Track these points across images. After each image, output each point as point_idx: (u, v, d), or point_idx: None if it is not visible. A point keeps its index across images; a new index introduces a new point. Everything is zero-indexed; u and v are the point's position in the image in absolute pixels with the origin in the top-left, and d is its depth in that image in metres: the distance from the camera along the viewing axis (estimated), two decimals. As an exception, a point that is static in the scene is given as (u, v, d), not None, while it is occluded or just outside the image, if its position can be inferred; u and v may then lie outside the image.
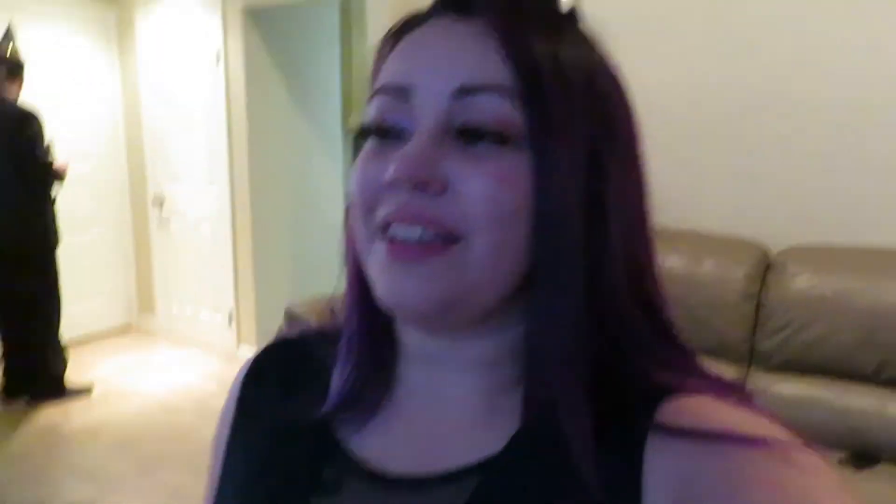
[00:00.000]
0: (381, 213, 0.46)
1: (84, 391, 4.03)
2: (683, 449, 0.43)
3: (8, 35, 3.71)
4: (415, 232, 0.44)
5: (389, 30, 0.51)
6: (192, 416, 3.80)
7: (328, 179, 4.81)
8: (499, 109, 0.44)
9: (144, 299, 5.30)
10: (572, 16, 0.50)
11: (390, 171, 0.44)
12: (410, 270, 0.44)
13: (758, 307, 2.42)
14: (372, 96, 0.48)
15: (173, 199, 4.91)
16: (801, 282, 2.33)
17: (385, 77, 0.48)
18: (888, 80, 2.43)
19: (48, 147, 3.68)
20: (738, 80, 2.70)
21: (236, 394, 0.62)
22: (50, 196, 3.80)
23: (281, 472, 0.54)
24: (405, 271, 0.45)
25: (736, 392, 0.48)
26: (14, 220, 3.65)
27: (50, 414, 3.81)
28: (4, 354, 3.87)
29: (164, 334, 5.14)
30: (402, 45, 0.49)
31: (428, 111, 0.45)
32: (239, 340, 4.67)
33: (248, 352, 4.39)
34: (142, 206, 5.13)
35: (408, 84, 0.46)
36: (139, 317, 5.32)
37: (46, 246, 3.81)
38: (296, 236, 4.60)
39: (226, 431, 0.61)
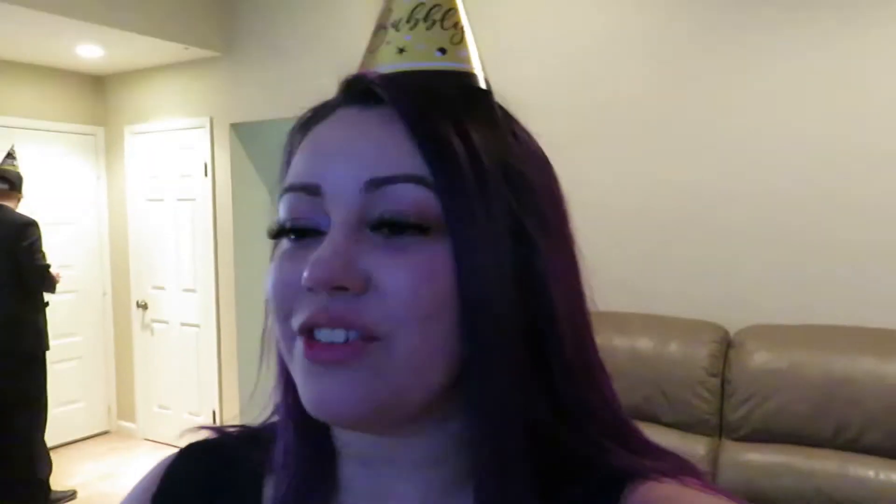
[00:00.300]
0: (300, 318, 0.41)
1: (68, 496, 3.96)
2: None
3: (10, 154, 3.90)
4: (339, 336, 0.40)
5: (297, 122, 0.48)
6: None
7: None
8: (415, 198, 0.41)
9: (124, 406, 5.25)
10: (485, 92, 0.49)
11: (305, 276, 0.40)
12: (334, 375, 0.40)
13: (723, 382, 2.59)
14: (282, 194, 0.45)
15: (157, 304, 4.97)
16: (760, 358, 2.53)
17: (293, 175, 0.44)
18: (828, 173, 2.72)
19: (45, 254, 3.78)
20: (693, 180, 2.97)
21: None
22: (43, 301, 3.86)
23: None
24: (329, 376, 0.41)
25: (687, 469, 0.46)
26: (8, 323, 3.69)
27: (35, 520, 3.72)
28: (-10, 459, 3.80)
29: (146, 438, 5.07)
30: (308, 139, 0.46)
31: (340, 208, 0.42)
32: (222, 440, 4.64)
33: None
34: (125, 312, 5.16)
35: (316, 181, 0.43)
36: (118, 423, 5.25)
37: (37, 350, 3.83)
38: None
39: None
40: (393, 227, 0.41)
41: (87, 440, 5.06)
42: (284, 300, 0.43)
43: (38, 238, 3.75)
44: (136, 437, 5.11)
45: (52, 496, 3.89)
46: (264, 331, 0.49)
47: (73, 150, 5.01)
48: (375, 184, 0.41)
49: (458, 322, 0.41)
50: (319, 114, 0.47)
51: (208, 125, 4.51)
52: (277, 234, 0.45)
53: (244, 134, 4.47)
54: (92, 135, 5.11)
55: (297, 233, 0.44)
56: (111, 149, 5.14)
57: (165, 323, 4.94)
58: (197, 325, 4.75)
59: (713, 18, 2.92)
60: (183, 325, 4.84)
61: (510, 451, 0.42)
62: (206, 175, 4.56)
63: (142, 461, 4.67)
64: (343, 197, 0.42)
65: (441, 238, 0.41)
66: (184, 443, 0.57)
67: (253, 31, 4.26)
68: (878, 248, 2.64)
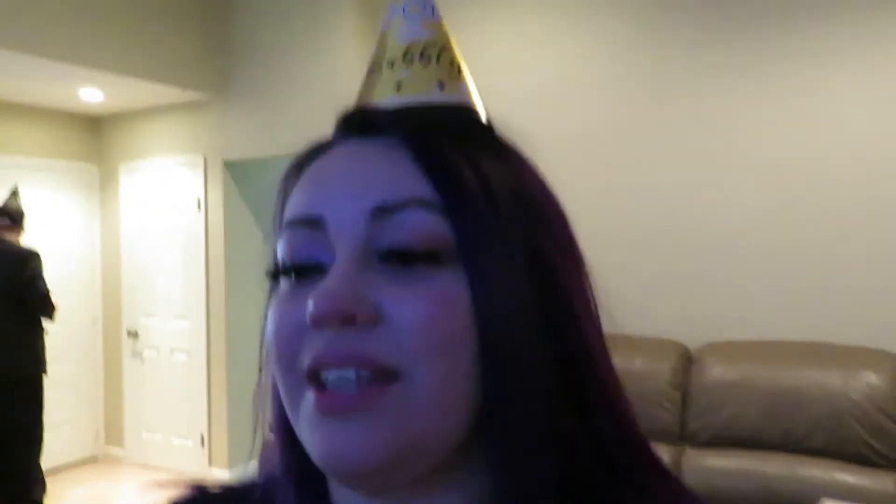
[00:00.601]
0: (307, 359, 0.38)
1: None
2: None
3: (14, 193, 4.03)
4: (349, 374, 0.36)
5: (291, 162, 0.45)
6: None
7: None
8: (424, 225, 0.38)
9: (112, 431, 5.28)
10: (487, 126, 0.46)
11: (310, 308, 0.36)
12: (347, 424, 0.36)
13: (684, 395, 2.79)
14: (280, 232, 0.42)
15: (148, 332, 5.05)
16: (716, 371, 2.74)
17: (292, 211, 0.41)
18: (779, 201, 2.97)
19: (46, 282, 3.89)
20: (655, 208, 3.21)
21: None
22: (42, 328, 3.95)
23: None
24: (341, 426, 0.36)
25: None
26: (10, 348, 3.78)
27: (32, 541, 3.75)
28: (-14, 483, 3.84)
29: (133, 462, 5.10)
30: (306, 175, 0.42)
31: (345, 238, 0.38)
32: (211, 463, 4.71)
33: (221, 475, 4.46)
34: (115, 340, 5.23)
35: (318, 213, 0.40)
36: (105, 448, 5.28)
37: (36, 374, 3.91)
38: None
39: None
40: (403, 258, 0.38)
41: (75, 466, 5.07)
42: (288, 343, 0.39)
43: (40, 267, 3.86)
44: (123, 463, 5.14)
45: (48, 518, 3.93)
46: (258, 389, 0.45)
47: (69, 187, 5.11)
48: (383, 211, 0.38)
49: (476, 357, 0.37)
50: (315, 153, 0.44)
51: (202, 163, 4.67)
52: (275, 275, 0.42)
53: (236, 171, 4.63)
54: (87, 172, 5.23)
55: (297, 272, 0.40)
56: (106, 185, 5.25)
57: (156, 350, 5.02)
58: (187, 352, 4.85)
59: (669, 51, 3.19)
60: (173, 351, 4.93)
61: None
62: (199, 209, 4.71)
63: (130, 486, 4.72)
64: (348, 227, 0.38)
65: (454, 267, 0.38)
66: (150, 492, 0.50)
67: (244, 74, 4.44)
68: (822, 269, 2.89)
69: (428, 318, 0.36)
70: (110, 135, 5.20)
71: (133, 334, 5.10)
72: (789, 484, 2.50)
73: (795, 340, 2.79)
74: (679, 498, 0.43)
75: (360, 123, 0.43)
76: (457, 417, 0.38)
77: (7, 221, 3.91)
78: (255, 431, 0.48)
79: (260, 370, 0.43)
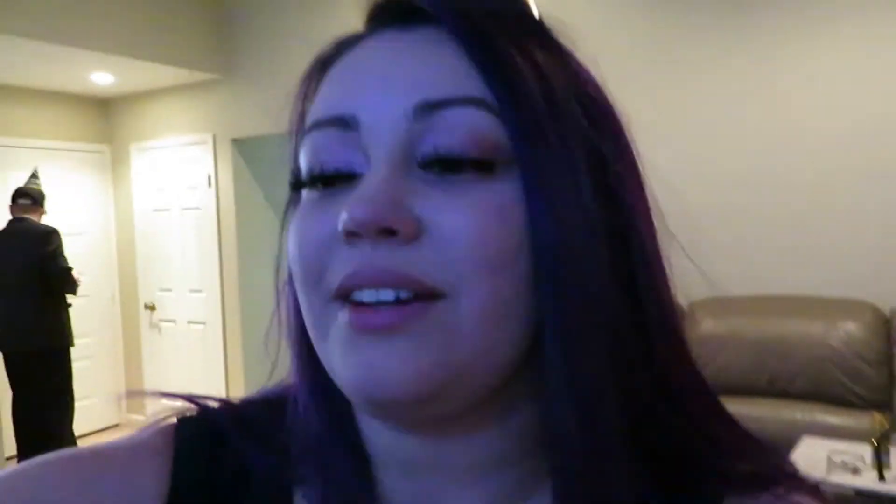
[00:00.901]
0: (337, 277, 0.32)
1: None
2: None
3: (35, 175, 4.14)
4: (387, 295, 0.31)
5: (314, 58, 0.39)
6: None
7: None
8: (476, 126, 0.32)
9: (133, 400, 5.45)
10: (541, 22, 0.39)
11: (344, 218, 0.31)
12: (386, 345, 0.31)
13: (677, 347, 2.94)
14: (305, 134, 0.36)
15: (165, 305, 5.18)
16: (706, 325, 2.89)
17: (318, 111, 0.36)
18: (771, 169, 3.09)
19: (66, 258, 4.02)
20: (655, 167, 3.31)
21: None
22: (66, 302, 4.09)
23: None
24: (380, 345, 0.31)
25: (792, 477, 0.38)
26: (37, 322, 3.91)
27: None
28: (20, 449, 3.99)
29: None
30: (334, 70, 0.37)
31: (383, 140, 0.33)
32: (230, 427, 4.86)
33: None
34: (133, 313, 5.36)
35: (351, 112, 0.34)
36: (127, 416, 5.45)
37: (63, 345, 4.05)
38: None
39: None
40: (449, 164, 0.32)
41: (100, 433, 5.24)
42: (315, 259, 0.33)
43: (60, 244, 3.99)
44: (146, 429, 5.29)
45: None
46: (274, 315, 0.41)
47: (82, 167, 5.21)
48: (428, 108, 0.33)
49: (529, 277, 0.32)
50: (343, 47, 0.38)
51: (211, 141, 4.75)
52: (298, 184, 0.36)
53: (244, 148, 4.72)
54: (100, 152, 5.31)
55: (325, 180, 0.34)
56: (118, 164, 5.34)
57: (173, 322, 5.16)
58: (203, 323, 4.98)
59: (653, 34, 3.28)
60: (190, 322, 5.07)
61: (606, 443, 0.33)
62: (209, 186, 4.80)
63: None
64: (387, 127, 0.33)
65: (507, 176, 0.33)
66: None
67: (251, 54, 4.51)
68: (806, 227, 3.02)
69: (477, 231, 0.31)
70: (121, 116, 5.27)
71: (150, 307, 5.23)
72: (775, 426, 2.65)
73: (780, 294, 2.92)
74: (749, 450, 0.38)
75: (397, 11, 0.37)
76: (507, 344, 0.33)
77: (28, 202, 4.02)
78: (272, 364, 0.43)
79: (277, 300, 0.39)
